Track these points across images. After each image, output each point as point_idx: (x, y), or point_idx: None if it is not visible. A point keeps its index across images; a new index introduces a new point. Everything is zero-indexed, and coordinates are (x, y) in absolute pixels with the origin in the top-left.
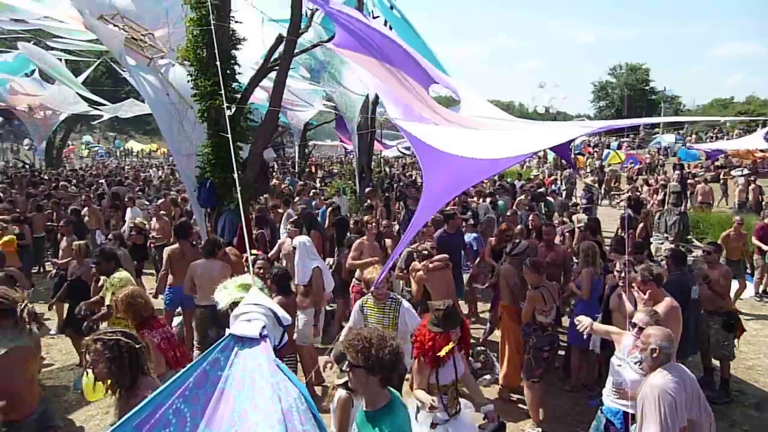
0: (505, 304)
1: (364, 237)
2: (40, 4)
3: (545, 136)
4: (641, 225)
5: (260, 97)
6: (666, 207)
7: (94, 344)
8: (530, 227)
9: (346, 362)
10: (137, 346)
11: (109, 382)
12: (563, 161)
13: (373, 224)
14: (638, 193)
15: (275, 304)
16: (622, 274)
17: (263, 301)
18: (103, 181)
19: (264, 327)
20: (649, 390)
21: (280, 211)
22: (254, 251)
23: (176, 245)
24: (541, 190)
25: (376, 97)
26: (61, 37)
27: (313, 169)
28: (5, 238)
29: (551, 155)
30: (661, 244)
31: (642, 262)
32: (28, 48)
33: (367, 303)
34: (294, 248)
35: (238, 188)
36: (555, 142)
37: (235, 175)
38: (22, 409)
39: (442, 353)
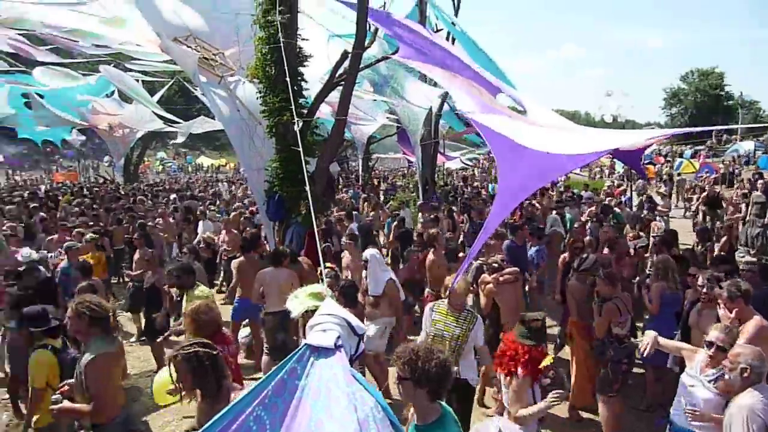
0: (574, 320)
1: (433, 251)
2: (121, 30)
3: (620, 137)
4: (724, 238)
5: (324, 112)
6: (748, 218)
7: (174, 360)
8: (600, 240)
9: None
10: (215, 353)
11: (194, 391)
12: (633, 171)
13: (440, 238)
14: (717, 190)
15: (349, 314)
16: (705, 290)
17: (337, 311)
18: (174, 195)
19: (339, 337)
20: (736, 410)
21: (346, 224)
22: (327, 264)
23: (242, 258)
24: (609, 201)
25: (440, 108)
26: (138, 59)
27: (377, 182)
28: (90, 255)
29: (619, 165)
30: (742, 257)
31: (728, 277)
32: (109, 70)
33: (438, 308)
34: (366, 261)
35: (311, 202)
36: (632, 142)
37: (308, 189)
38: (108, 412)
39: (544, 364)
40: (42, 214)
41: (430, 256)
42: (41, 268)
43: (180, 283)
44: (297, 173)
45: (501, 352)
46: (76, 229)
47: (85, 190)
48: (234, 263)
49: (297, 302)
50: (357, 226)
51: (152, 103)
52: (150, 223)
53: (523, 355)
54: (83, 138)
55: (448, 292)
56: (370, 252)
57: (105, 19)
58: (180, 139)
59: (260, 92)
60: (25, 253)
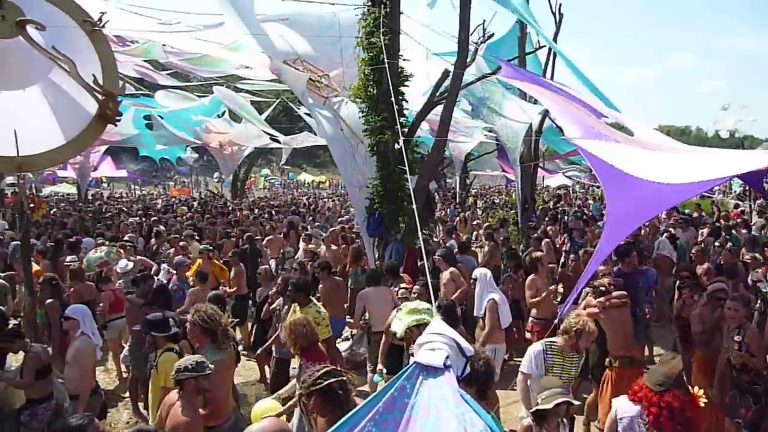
0: (699, 355)
1: (537, 273)
2: (236, 53)
3: (741, 161)
4: None
5: (422, 128)
6: None
7: (309, 398)
8: (720, 264)
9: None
10: (344, 378)
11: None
12: (753, 190)
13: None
14: None
15: (458, 334)
16: None
17: (446, 331)
18: (276, 210)
19: (447, 357)
20: None
21: (444, 241)
22: (402, 285)
23: (328, 278)
24: (725, 222)
25: (540, 125)
26: (248, 79)
27: (474, 200)
28: (198, 264)
29: (736, 183)
30: None
31: None
32: (222, 91)
33: (552, 349)
34: (474, 280)
35: (417, 220)
36: (754, 166)
37: (414, 207)
38: (218, 416)
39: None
40: (160, 227)
41: (533, 281)
42: (155, 276)
43: (293, 298)
44: (397, 191)
45: (647, 410)
46: (182, 241)
47: (196, 204)
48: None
49: (400, 324)
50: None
51: (260, 120)
52: (258, 238)
53: (675, 402)
54: (196, 155)
55: (573, 332)
56: (479, 271)
57: (222, 45)
58: (283, 158)
59: (362, 112)
60: (122, 264)
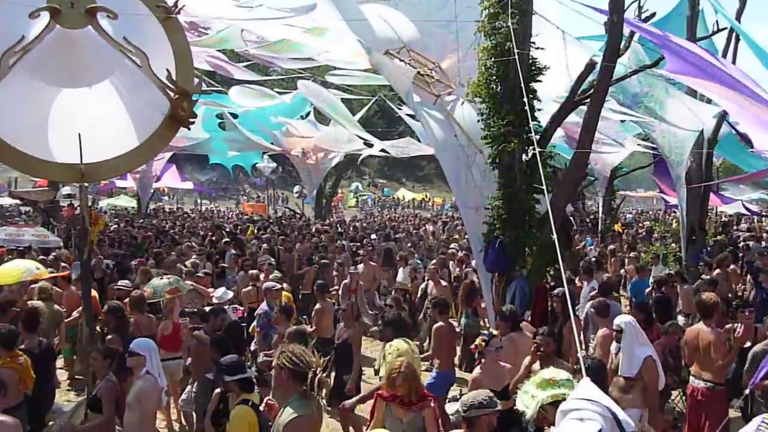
0: None
1: (704, 324)
2: (322, 39)
3: None
4: None
5: (556, 135)
6: None
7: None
8: None
9: None
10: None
11: None
12: None
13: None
14: None
15: (613, 402)
16: None
17: (599, 398)
18: (374, 236)
19: (600, 430)
20: None
21: (578, 283)
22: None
23: (441, 322)
24: None
25: (714, 133)
26: (340, 69)
27: (622, 229)
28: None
29: None
30: None
31: None
32: (308, 86)
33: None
34: (618, 330)
35: (558, 250)
36: None
37: (555, 237)
38: None
39: None
40: (233, 251)
41: (699, 331)
42: (227, 310)
43: (384, 336)
44: (524, 214)
45: None
46: (267, 265)
47: (273, 225)
48: (434, 327)
49: (527, 398)
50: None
51: (352, 122)
52: (352, 270)
53: None
54: (273, 165)
55: None
56: (624, 319)
57: (306, 29)
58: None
59: (482, 114)
60: (219, 293)
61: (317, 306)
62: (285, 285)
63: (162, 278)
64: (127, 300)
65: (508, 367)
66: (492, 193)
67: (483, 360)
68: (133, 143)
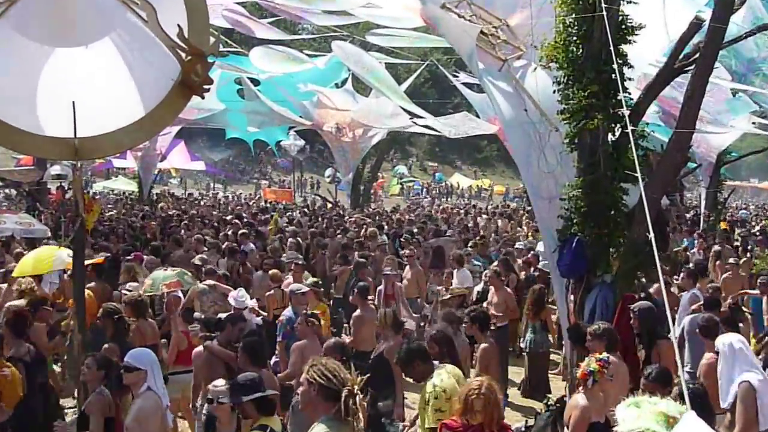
0: None
1: None
2: None
3: None
4: None
5: (649, 111)
6: None
7: None
8: None
9: None
10: None
11: None
12: None
13: None
14: None
15: None
16: None
17: None
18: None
19: None
20: None
21: (674, 290)
22: None
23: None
24: None
25: None
26: (383, 26)
27: (728, 227)
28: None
29: None
30: None
31: None
32: (344, 48)
33: None
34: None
35: (655, 251)
36: None
37: (651, 235)
38: None
39: None
40: (249, 244)
41: None
42: (247, 317)
43: (434, 352)
44: (609, 207)
45: None
46: (294, 264)
47: (298, 214)
48: (481, 348)
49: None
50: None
51: (397, 92)
52: (390, 271)
53: None
54: (301, 143)
55: None
56: (724, 340)
57: None
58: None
59: (559, 83)
60: (238, 296)
61: (357, 313)
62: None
63: (167, 269)
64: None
65: (613, 397)
66: (569, 181)
67: (588, 386)
68: (136, 114)
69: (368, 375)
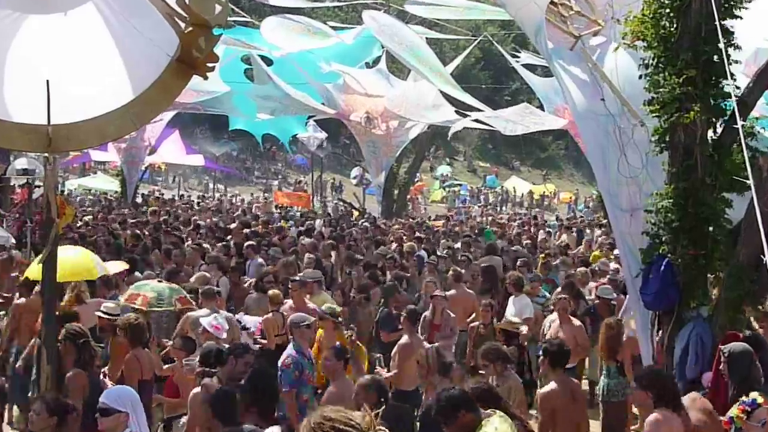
0: None
1: None
2: None
3: None
4: None
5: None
6: None
7: None
8: None
9: None
10: None
11: None
12: None
13: None
14: None
15: None
16: None
17: None
18: (458, 244)
19: None
20: None
21: None
22: None
23: (554, 384)
24: None
25: None
26: None
27: None
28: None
29: None
30: None
31: None
32: (377, 19)
33: None
34: None
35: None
36: None
37: (767, 260)
38: None
39: None
40: (259, 259)
41: None
42: (250, 345)
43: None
44: (707, 221)
45: None
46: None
47: (319, 223)
48: (543, 390)
49: None
50: None
51: (442, 75)
52: (437, 293)
53: None
54: (322, 136)
55: None
56: None
57: None
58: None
59: (647, 66)
60: (250, 323)
61: (404, 340)
62: (339, 318)
63: (156, 280)
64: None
65: None
66: (657, 189)
67: None
68: (124, 97)
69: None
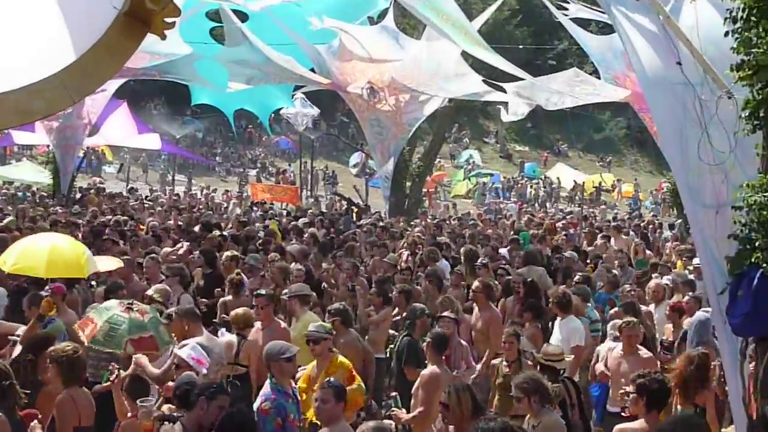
0: None
1: None
2: None
3: None
4: None
5: None
6: None
7: None
8: None
9: None
10: None
11: None
12: None
13: None
14: None
15: None
16: None
17: None
18: (504, 250)
19: None
20: None
21: None
22: None
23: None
24: None
25: None
26: None
27: None
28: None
29: None
30: None
31: None
32: None
33: None
34: None
35: None
36: None
37: None
38: None
39: None
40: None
41: None
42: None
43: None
44: None
45: None
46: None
47: (313, 225)
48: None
49: None
50: None
51: (468, 34)
52: (448, 315)
53: None
54: (314, 112)
55: None
56: None
57: None
58: (510, 117)
59: (735, 20)
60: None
61: (430, 371)
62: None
63: (124, 306)
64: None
65: None
66: (749, 179)
67: None
68: (57, 62)
69: None
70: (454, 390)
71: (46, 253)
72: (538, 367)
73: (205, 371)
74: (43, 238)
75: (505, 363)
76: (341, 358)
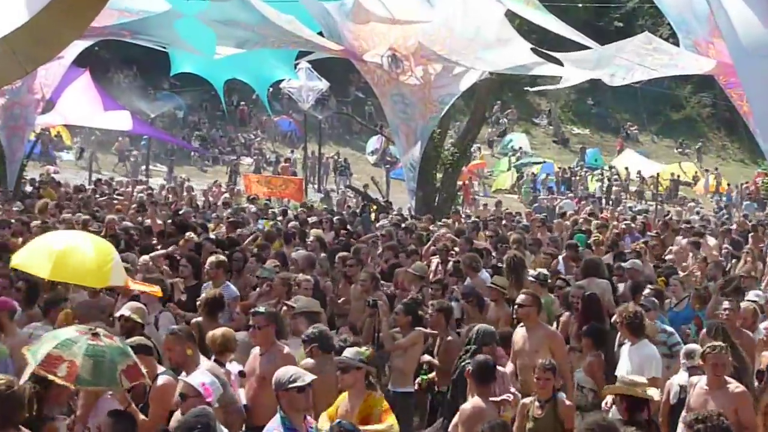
0: None
1: None
2: None
3: None
4: None
5: None
6: None
7: None
8: None
9: None
10: None
11: None
12: None
13: None
14: None
15: None
16: None
17: None
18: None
19: None
20: None
21: None
22: None
23: None
24: None
25: None
26: None
27: None
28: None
29: None
30: None
31: None
32: None
33: None
34: None
35: None
36: None
37: None
38: None
39: None
40: (231, 287)
41: None
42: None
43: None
44: None
45: None
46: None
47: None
48: None
49: None
50: None
51: None
52: None
53: None
54: (322, 86)
55: None
56: None
57: None
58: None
59: None
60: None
61: (469, 405)
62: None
63: (89, 335)
64: None
65: None
66: None
67: None
68: (8, 22)
69: None
70: (488, 428)
71: (56, 253)
72: (607, 403)
73: (212, 399)
74: (66, 237)
75: (537, 403)
76: (379, 394)
